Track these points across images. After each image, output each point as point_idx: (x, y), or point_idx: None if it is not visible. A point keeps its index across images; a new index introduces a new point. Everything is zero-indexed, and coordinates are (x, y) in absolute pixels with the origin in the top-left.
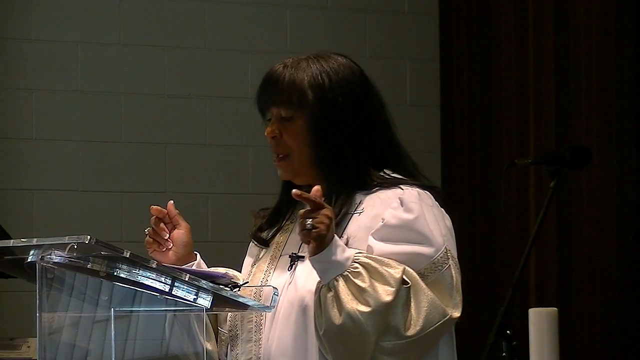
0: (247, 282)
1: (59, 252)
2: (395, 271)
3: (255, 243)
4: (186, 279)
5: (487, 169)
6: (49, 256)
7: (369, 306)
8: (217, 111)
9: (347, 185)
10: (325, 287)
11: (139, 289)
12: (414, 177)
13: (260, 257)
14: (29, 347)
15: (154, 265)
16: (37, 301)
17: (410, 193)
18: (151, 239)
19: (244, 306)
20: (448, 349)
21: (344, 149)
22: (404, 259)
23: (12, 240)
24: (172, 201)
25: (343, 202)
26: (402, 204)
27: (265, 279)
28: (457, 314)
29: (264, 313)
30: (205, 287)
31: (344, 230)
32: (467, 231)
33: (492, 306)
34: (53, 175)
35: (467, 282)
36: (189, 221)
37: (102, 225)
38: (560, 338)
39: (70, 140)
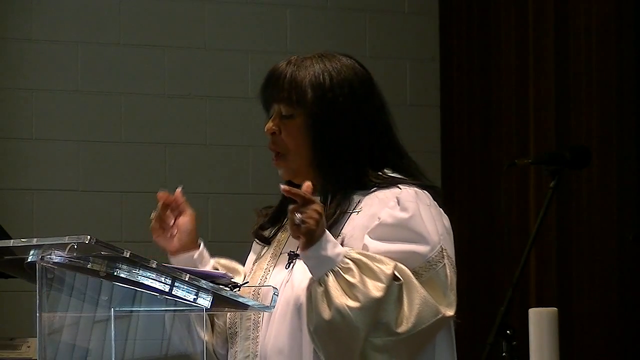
0: (247, 282)
1: (59, 252)
2: (387, 267)
3: (257, 241)
4: (186, 279)
5: (487, 169)
6: (49, 256)
7: (358, 301)
8: (217, 111)
9: (344, 185)
10: (316, 283)
11: (139, 289)
12: (414, 177)
13: (262, 255)
14: (29, 347)
15: (154, 265)
16: (37, 301)
17: (408, 192)
18: (157, 225)
19: (243, 306)
20: (448, 350)
21: (342, 149)
22: (399, 258)
23: (12, 240)
24: (180, 187)
25: (339, 201)
26: (398, 203)
27: (264, 277)
28: (450, 312)
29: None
30: (205, 287)
31: (341, 229)
32: (467, 231)
33: (492, 306)
34: (53, 175)
35: (467, 282)
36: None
37: (102, 225)
38: (560, 338)
39: (70, 140)
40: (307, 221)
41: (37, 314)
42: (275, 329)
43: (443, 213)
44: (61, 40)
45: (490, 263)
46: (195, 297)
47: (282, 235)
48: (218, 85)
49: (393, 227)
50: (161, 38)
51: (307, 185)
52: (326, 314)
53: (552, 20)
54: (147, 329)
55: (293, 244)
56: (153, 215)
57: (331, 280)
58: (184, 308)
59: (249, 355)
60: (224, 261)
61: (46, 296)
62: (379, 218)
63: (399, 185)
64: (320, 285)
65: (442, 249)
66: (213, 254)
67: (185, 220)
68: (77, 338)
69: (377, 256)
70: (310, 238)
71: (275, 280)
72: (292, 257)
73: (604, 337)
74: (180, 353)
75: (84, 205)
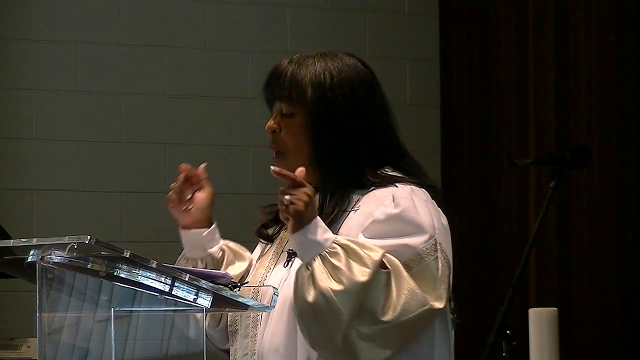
0: (247, 282)
1: (59, 252)
2: (375, 254)
3: (260, 239)
4: (186, 279)
5: (487, 169)
6: (49, 256)
7: (342, 285)
8: (217, 111)
9: (343, 184)
10: (304, 267)
11: (139, 289)
12: (413, 176)
13: (264, 252)
14: (29, 347)
15: (154, 265)
16: (37, 301)
17: (404, 189)
18: (174, 195)
19: (244, 306)
20: (444, 349)
21: (341, 148)
22: (390, 251)
23: (12, 240)
24: (204, 164)
25: (338, 200)
26: (393, 200)
27: (265, 275)
28: (439, 305)
29: None
30: (205, 287)
31: (339, 228)
32: (467, 231)
33: (492, 306)
34: (53, 175)
35: (467, 282)
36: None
37: (102, 225)
38: (560, 338)
39: (70, 140)
40: (296, 202)
41: (37, 314)
42: (272, 328)
43: (441, 212)
44: (61, 40)
45: (490, 263)
46: (195, 297)
47: (284, 233)
48: (218, 85)
49: (385, 222)
50: (161, 38)
51: (299, 170)
52: (310, 297)
53: (552, 20)
54: (147, 329)
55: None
56: (173, 185)
57: (317, 264)
58: (184, 308)
59: (247, 353)
60: (233, 245)
61: (46, 296)
62: (373, 216)
63: (396, 184)
64: (307, 269)
65: (437, 242)
66: None
67: (202, 196)
68: (77, 338)
69: (367, 244)
70: (298, 220)
71: (276, 278)
72: (292, 255)
73: (604, 337)
74: (180, 353)
75: (84, 205)
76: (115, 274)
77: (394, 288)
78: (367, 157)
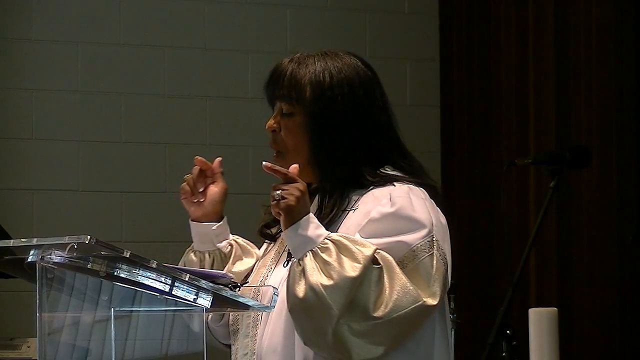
0: (247, 282)
1: (59, 252)
2: (367, 250)
3: (264, 239)
4: (186, 279)
5: (487, 169)
6: (49, 256)
7: (332, 279)
8: (217, 111)
9: (342, 184)
10: (296, 263)
11: (139, 289)
12: (413, 176)
13: (267, 251)
14: (29, 347)
15: (154, 265)
16: (37, 301)
17: (401, 188)
18: (187, 187)
19: (244, 306)
20: (443, 349)
21: (340, 148)
22: (385, 248)
23: (12, 240)
24: (220, 158)
25: (336, 200)
26: (390, 199)
27: (266, 275)
28: (432, 302)
29: None
30: (205, 287)
31: (338, 228)
32: (467, 231)
33: (492, 306)
34: (53, 175)
35: (467, 282)
36: (188, 221)
37: (102, 225)
38: (560, 338)
39: (70, 140)
40: (287, 197)
41: (37, 314)
42: (271, 328)
43: (440, 211)
44: (61, 40)
45: (490, 263)
46: (195, 297)
47: None
48: (218, 85)
49: (380, 221)
50: (161, 38)
51: (293, 166)
52: (301, 292)
53: (552, 20)
54: (147, 329)
55: None
56: (187, 176)
57: (308, 260)
58: (184, 308)
59: (247, 352)
60: (241, 240)
61: (46, 296)
62: (370, 215)
63: (395, 183)
64: (299, 264)
65: (434, 239)
66: None
67: (214, 190)
68: (77, 338)
69: (360, 240)
70: (289, 215)
71: (276, 278)
72: (291, 254)
73: (604, 337)
74: (180, 353)
75: (84, 205)
76: (115, 274)
77: (386, 284)
78: (367, 156)
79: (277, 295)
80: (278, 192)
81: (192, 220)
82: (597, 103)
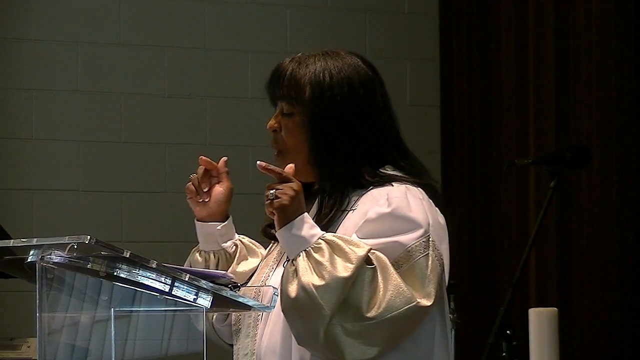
0: (247, 282)
1: (59, 252)
2: (360, 250)
3: (267, 239)
4: (186, 279)
5: (487, 169)
6: (49, 256)
7: (324, 280)
8: (217, 111)
9: (342, 184)
10: (290, 263)
11: (139, 289)
12: (413, 176)
13: (270, 252)
14: (29, 347)
15: (154, 265)
16: (37, 301)
17: (399, 189)
18: (193, 186)
19: (245, 306)
20: (443, 349)
21: (339, 148)
22: (380, 249)
23: (12, 240)
24: (225, 158)
25: (336, 200)
26: (387, 199)
27: (268, 275)
28: (426, 302)
29: None
30: (205, 287)
31: (337, 228)
32: (467, 231)
33: (492, 306)
34: (53, 175)
35: (467, 282)
36: (188, 221)
37: (102, 225)
38: (560, 338)
39: (70, 140)
40: (281, 196)
41: (37, 314)
42: (270, 328)
43: (438, 211)
44: (61, 40)
45: (490, 263)
46: (195, 297)
47: None
48: (218, 85)
49: (376, 222)
50: (161, 38)
51: (289, 166)
52: (293, 292)
53: (552, 20)
54: (147, 329)
55: None
56: (193, 176)
57: (301, 260)
58: (184, 308)
59: (247, 353)
60: (247, 240)
61: (46, 296)
62: (366, 216)
63: (393, 183)
64: (293, 264)
65: (430, 239)
66: None
67: (219, 190)
68: (77, 338)
69: (354, 240)
70: (283, 215)
71: (277, 278)
72: None
73: (604, 337)
74: (180, 353)
75: (84, 205)
76: (115, 274)
77: (380, 284)
78: (367, 156)
79: (277, 295)
80: (272, 191)
81: (197, 220)
82: (597, 103)
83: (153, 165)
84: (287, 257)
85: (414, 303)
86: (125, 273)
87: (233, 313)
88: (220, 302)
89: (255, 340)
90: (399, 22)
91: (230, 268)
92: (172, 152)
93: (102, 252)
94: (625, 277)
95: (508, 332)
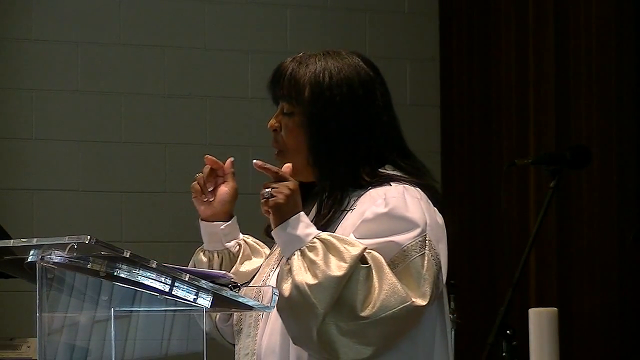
0: (247, 282)
1: (59, 252)
2: (354, 249)
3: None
4: (186, 279)
5: (487, 169)
6: (49, 256)
7: (317, 278)
8: (217, 111)
9: (341, 184)
10: (284, 262)
11: (139, 289)
12: (413, 176)
13: (272, 251)
14: (29, 347)
15: (154, 265)
16: (37, 301)
17: (396, 188)
18: (198, 185)
19: (246, 306)
20: (442, 349)
21: (337, 148)
22: (376, 248)
23: (12, 240)
24: (232, 158)
25: (335, 200)
26: (384, 199)
27: (269, 275)
28: (422, 302)
29: None
30: (205, 287)
31: (336, 228)
32: (467, 231)
33: (492, 306)
34: (53, 175)
35: (467, 282)
36: (188, 221)
37: (102, 225)
38: (560, 338)
39: (70, 140)
40: (276, 195)
41: (37, 314)
42: (270, 328)
43: (437, 211)
44: (61, 40)
45: (490, 263)
46: (195, 297)
47: None
48: (218, 85)
49: (373, 222)
50: (161, 38)
51: (286, 165)
52: (286, 291)
53: (552, 20)
54: (147, 329)
55: None
56: (198, 175)
57: (296, 259)
58: (184, 308)
59: (248, 352)
60: (251, 240)
61: (46, 296)
62: (364, 216)
63: (391, 183)
64: (287, 263)
65: (427, 238)
66: None
67: (224, 190)
68: (77, 338)
69: (350, 239)
70: (278, 214)
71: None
72: None
73: (604, 337)
74: (180, 353)
75: (84, 205)
76: (115, 274)
77: (375, 284)
78: (366, 156)
79: (277, 295)
80: (267, 190)
81: (202, 220)
82: (597, 103)
83: (153, 165)
84: (283, 256)
85: (408, 302)
86: (125, 273)
87: (235, 313)
88: (220, 302)
89: (256, 340)
90: (399, 22)
91: (234, 268)
92: (172, 152)
93: (102, 252)
94: (625, 277)
95: (508, 332)
